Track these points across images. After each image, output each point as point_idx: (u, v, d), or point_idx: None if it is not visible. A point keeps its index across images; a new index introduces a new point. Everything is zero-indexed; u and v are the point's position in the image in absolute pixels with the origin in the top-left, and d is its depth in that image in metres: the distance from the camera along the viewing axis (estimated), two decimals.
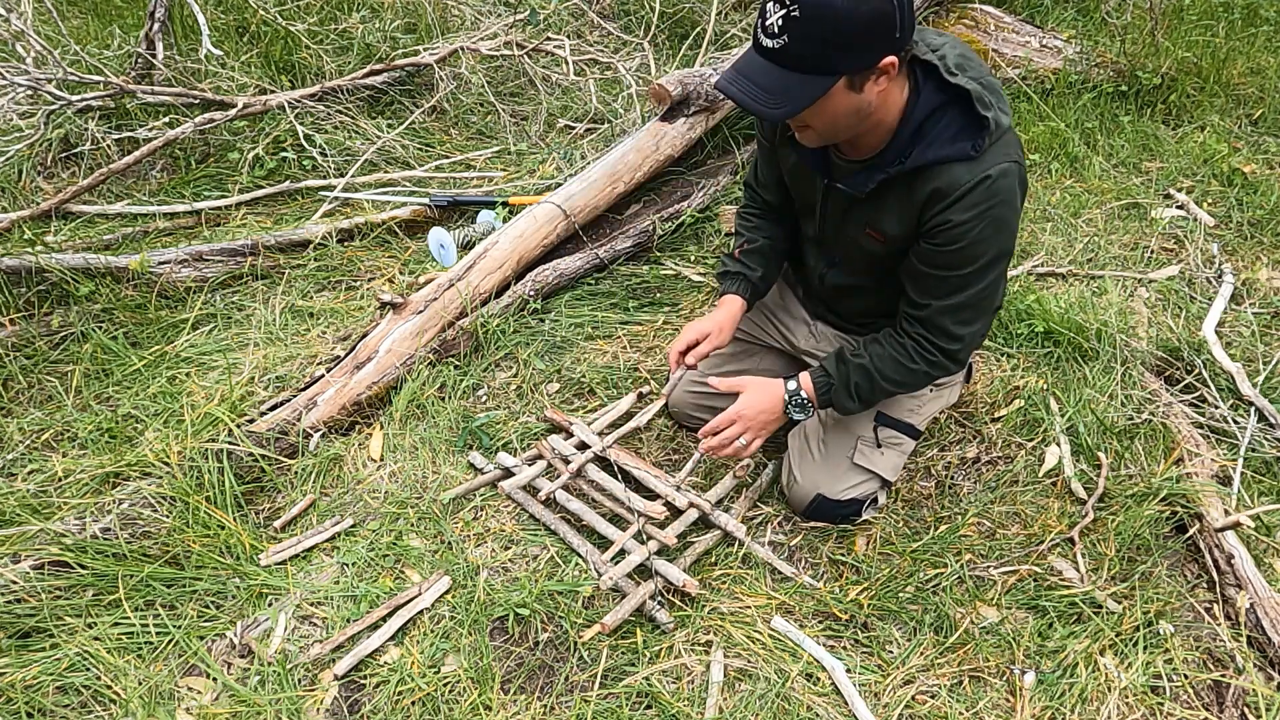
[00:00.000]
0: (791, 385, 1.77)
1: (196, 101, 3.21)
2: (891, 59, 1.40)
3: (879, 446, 1.87)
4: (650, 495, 1.95)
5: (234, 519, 1.93)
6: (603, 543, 1.87)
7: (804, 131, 1.55)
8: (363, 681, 1.66)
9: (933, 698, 1.62)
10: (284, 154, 3.19)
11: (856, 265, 1.82)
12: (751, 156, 3.12)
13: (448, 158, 3.33)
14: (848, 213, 1.70)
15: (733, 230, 2.01)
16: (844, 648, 1.72)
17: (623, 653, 1.69)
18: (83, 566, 1.77)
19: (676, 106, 3.05)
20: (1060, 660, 1.66)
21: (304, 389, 2.23)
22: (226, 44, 3.62)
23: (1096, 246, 2.84)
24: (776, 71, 1.41)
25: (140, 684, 1.64)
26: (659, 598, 1.75)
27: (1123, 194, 3.09)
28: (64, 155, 3.19)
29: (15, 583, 1.72)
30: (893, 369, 1.70)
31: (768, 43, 1.40)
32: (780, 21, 1.36)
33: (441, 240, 2.79)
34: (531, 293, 2.58)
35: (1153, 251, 2.81)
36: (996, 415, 2.19)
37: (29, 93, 3.20)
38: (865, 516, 1.93)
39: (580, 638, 1.71)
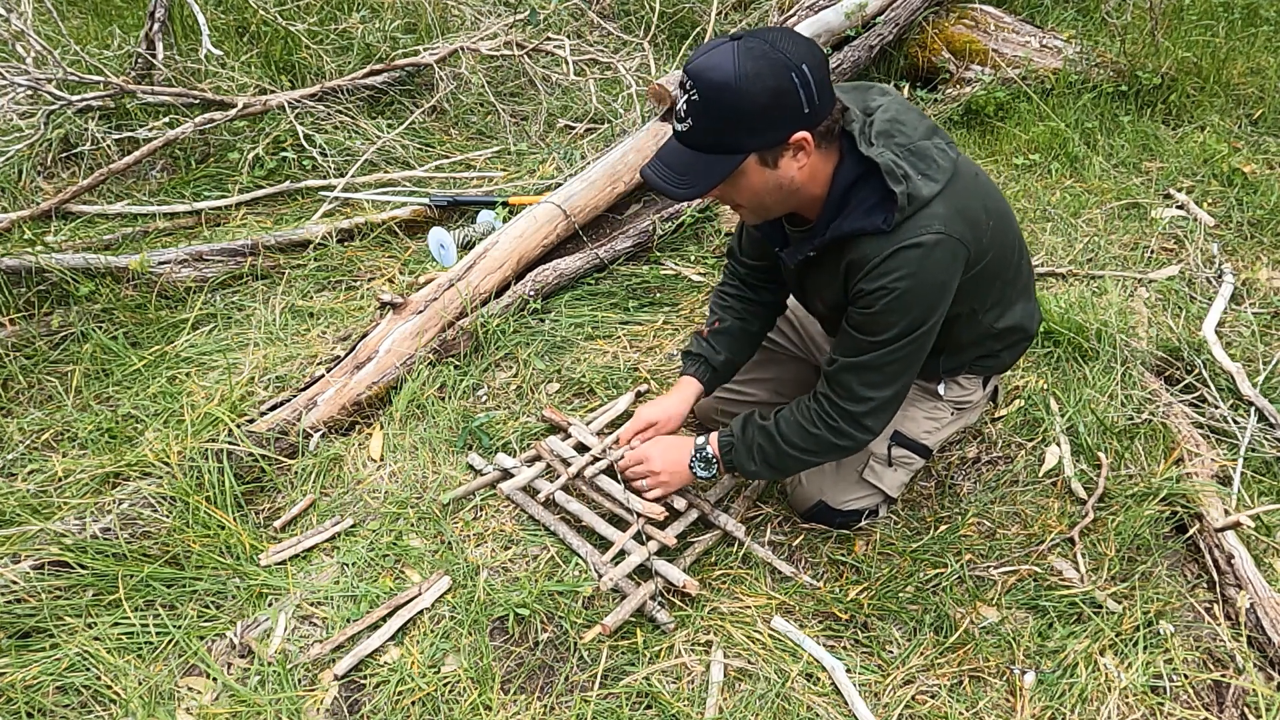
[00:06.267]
0: (700, 440, 1.78)
1: (196, 101, 3.21)
2: (803, 135, 1.42)
3: (890, 465, 1.87)
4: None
5: (234, 519, 1.93)
6: (603, 543, 1.87)
7: (739, 210, 1.60)
8: (363, 681, 1.66)
9: (933, 698, 1.62)
10: (284, 154, 3.20)
11: (826, 323, 1.87)
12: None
13: (448, 158, 3.33)
14: (800, 278, 1.73)
15: (708, 307, 2.01)
16: (844, 648, 1.72)
17: (623, 653, 1.69)
18: (83, 566, 1.77)
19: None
20: (1060, 660, 1.66)
21: (304, 389, 2.23)
22: (226, 44, 3.62)
23: (1096, 246, 2.84)
24: (687, 154, 1.47)
25: (140, 684, 1.64)
26: (659, 598, 1.75)
27: (1123, 194, 3.09)
28: (64, 155, 3.19)
29: (15, 583, 1.72)
30: (796, 434, 1.67)
31: (679, 126, 1.47)
32: (685, 106, 1.43)
33: (441, 240, 2.79)
34: (531, 293, 2.58)
35: (1153, 251, 2.81)
36: (996, 415, 2.19)
37: (29, 93, 3.20)
38: (863, 524, 1.93)
39: (581, 639, 1.71)
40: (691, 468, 1.79)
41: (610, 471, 1.96)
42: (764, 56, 1.36)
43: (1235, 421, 2.12)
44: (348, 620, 1.74)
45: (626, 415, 2.20)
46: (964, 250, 1.51)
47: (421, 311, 2.41)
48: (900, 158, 1.47)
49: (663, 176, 1.49)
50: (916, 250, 1.46)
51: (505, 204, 2.93)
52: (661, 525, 1.83)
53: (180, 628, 1.73)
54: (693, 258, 2.84)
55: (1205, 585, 1.81)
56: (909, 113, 1.54)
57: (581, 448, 2.08)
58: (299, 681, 1.65)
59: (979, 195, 1.56)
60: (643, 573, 1.79)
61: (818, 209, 1.56)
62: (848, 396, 1.62)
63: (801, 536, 1.93)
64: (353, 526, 1.96)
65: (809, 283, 1.72)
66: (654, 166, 1.50)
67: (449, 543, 1.91)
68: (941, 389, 1.86)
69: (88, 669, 1.65)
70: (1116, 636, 1.70)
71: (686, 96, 1.42)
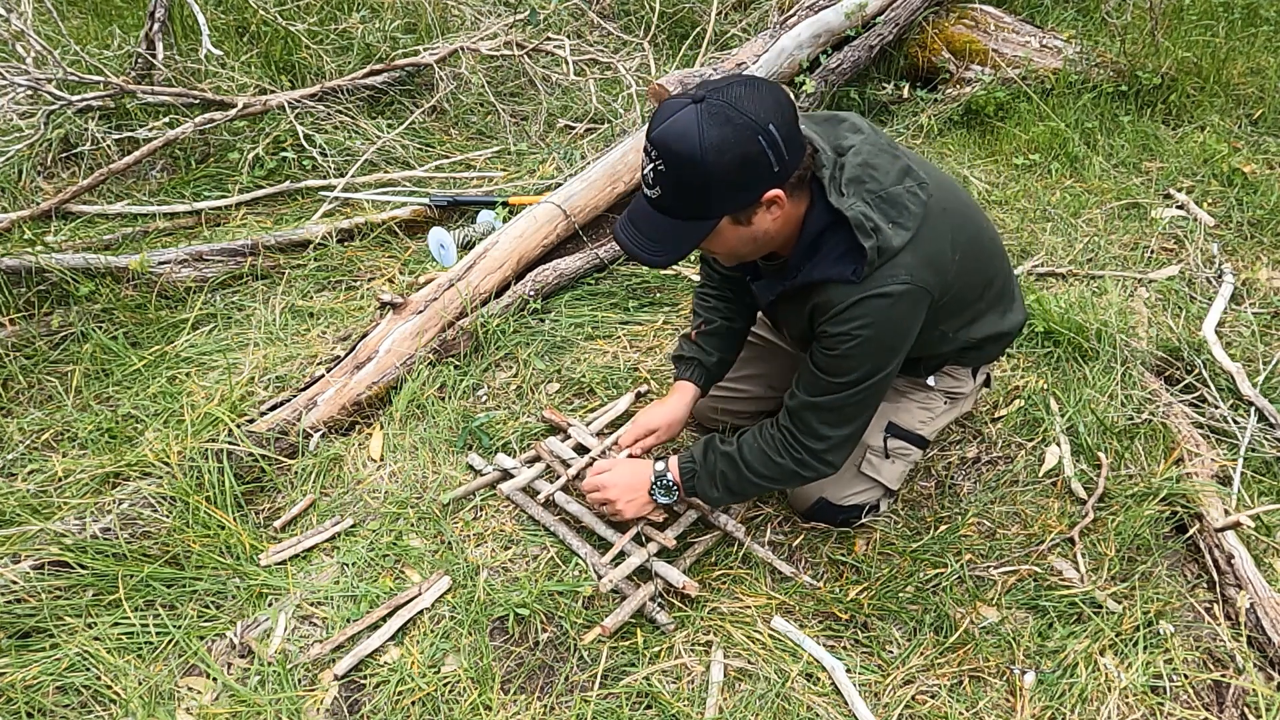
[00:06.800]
0: (660, 466, 1.77)
1: (196, 101, 3.21)
2: (775, 192, 1.41)
3: (887, 457, 1.87)
4: None
5: (234, 519, 1.93)
6: (602, 544, 1.87)
7: (713, 254, 1.59)
8: (363, 681, 1.66)
9: (933, 698, 1.62)
10: (284, 154, 3.20)
11: (799, 346, 1.88)
12: None
13: (448, 158, 3.33)
14: (771, 307, 1.73)
15: (691, 310, 2.00)
16: (844, 648, 1.72)
17: (623, 653, 1.69)
18: (83, 566, 1.77)
19: None
20: (1060, 660, 1.66)
21: (304, 389, 2.23)
22: (226, 44, 3.62)
23: (1096, 246, 2.84)
24: (659, 219, 1.44)
25: (140, 684, 1.64)
26: (659, 599, 1.75)
27: (1123, 194, 3.09)
28: (64, 155, 3.19)
29: (15, 583, 1.72)
30: (759, 461, 1.67)
31: (648, 192, 1.44)
32: (652, 174, 1.40)
33: (441, 240, 2.79)
34: (531, 293, 2.58)
35: (1153, 251, 2.81)
36: (996, 415, 2.19)
37: (29, 93, 3.20)
38: (864, 520, 1.93)
39: (581, 639, 1.71)
40: (652, 494, 1.78)
41: None
42: (728, 122, 1.33)
43: (1235, 421, 2.12)
44: (348, 620, 1.74)
45: (627, 416, 2.20)
46: (928, 297, 1.52)
47: (421, 311, 2.41)
48: (872, 207, 1.46)
49: (637, 243, 1.47)
50: (884, 300, 1.47)
51: (505, 204, 2.93)
52: (661, 526, 1.83)
53: (180, 628, 1.73)
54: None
55: (1205, 585, 1.81)
56: (881, 155, 1.51)
57: (581, 449, 2.08)
58: (299, 681, 1.65)
59: (948, 233, 1.55)
60: (642, 574, 1.79)
61: (791, 246, 1.56)
62: (808, 433, 1.63)
63: (801, 536, 1.93)
64: (353, 526, 1.96)
65: (779, 313, 1.73)
66: (627, 230, 1.48)
67: (449, 543, 1.91)
68: (932, 380, 1.88)
69: (88, 669, 1.65)
70: (1116, 636, 1.70)
71: (652, 165, 1.39)
